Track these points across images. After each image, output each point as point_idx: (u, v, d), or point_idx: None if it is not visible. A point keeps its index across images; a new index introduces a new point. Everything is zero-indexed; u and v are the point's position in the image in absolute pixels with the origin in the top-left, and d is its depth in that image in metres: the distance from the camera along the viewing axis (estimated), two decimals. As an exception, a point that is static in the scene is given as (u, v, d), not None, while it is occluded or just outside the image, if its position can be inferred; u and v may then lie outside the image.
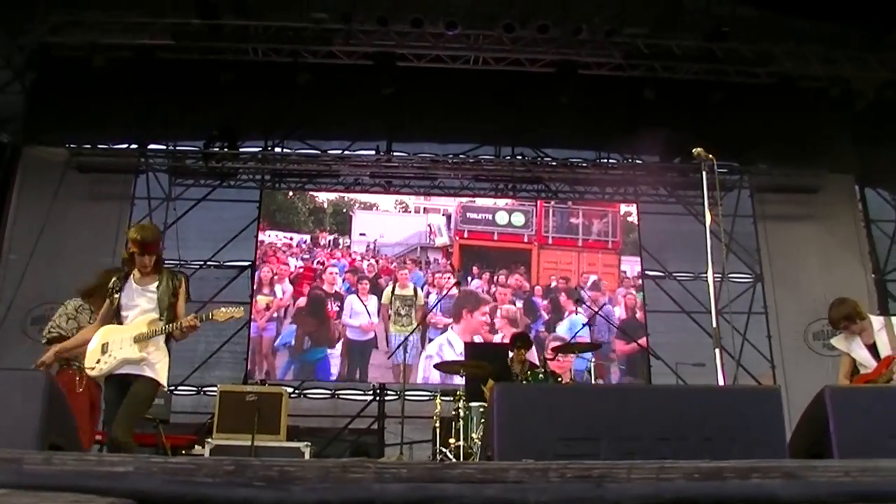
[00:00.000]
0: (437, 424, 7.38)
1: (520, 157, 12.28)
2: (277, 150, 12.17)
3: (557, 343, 9.84)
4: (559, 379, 7.78)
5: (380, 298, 11.22)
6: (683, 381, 10.61)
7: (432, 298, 11.29)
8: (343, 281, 11.31)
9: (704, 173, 5.28)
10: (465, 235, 11.77)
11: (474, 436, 6.98)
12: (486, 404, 6.88)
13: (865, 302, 10.95)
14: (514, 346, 8.00)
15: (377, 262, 11.48)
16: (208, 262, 11.05)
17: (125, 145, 11.80)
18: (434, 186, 12.19)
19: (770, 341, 11.60)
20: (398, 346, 9.19)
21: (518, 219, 11.97)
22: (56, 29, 10.18)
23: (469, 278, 11.48)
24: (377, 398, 11.13)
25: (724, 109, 10.94)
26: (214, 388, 8.73)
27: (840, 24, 10.67)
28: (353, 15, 10.20)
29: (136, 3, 10.27)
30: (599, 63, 10.76)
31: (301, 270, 11.32)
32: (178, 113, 11.21)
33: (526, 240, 11.85)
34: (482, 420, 6.84)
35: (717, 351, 4.87)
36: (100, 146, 11.58)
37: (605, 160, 12.47)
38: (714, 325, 5.00)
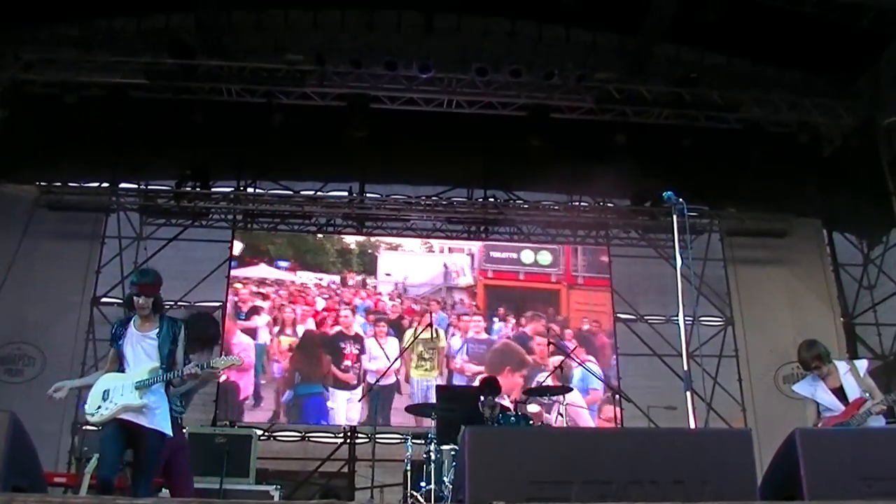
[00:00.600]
0: (409, 468, 7.34)
1: (492, 200, 12.34)
2: (250, 190, 12.16)
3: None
4: (530, 422, 7.78)
5: (401, 341, 11.23)
6: (655, 425, 10.56)
7: (455, 341, 11.25)
8: (365, 322, 11.33)
9: (675, 217, 5.28)
10: (490, 275, 11.83)
11: (445, 479, 6.90)
12: (457, 447, 6.85)
13: (834, 346, 11.10)
14: (483, 391, 7.96)
15: (402, 302, 11.52)
16: (179, 303, 10.91)
17: (96, 184, 11.69)
18: (407, 228, 12.23)
19: (741, 384, 11.63)
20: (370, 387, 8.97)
21: (544, 258, 12.03)
22: (29, 66, 10.15)
23: (495, 319, 11.48)
24: (348, 441, 11.02)
25: (694, 154, 11.08)
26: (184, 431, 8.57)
27: (807, 71, 11.01)
28: (327, 57, 10.29)
29: (109, 42, 10.29)
30: (571, 107, 10.91)
31: (325, 313, 11.38)
32: (151, 152, 11.16)
33: (554, 279, 11.89)
34: (453, 463, 6.80)
35: (688, 394, 4.85)
36: (70, 184, 11.48)
37: (577, 203, 12.54)
38: (685, 368, 4.96)
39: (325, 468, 10.91)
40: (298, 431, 11.12)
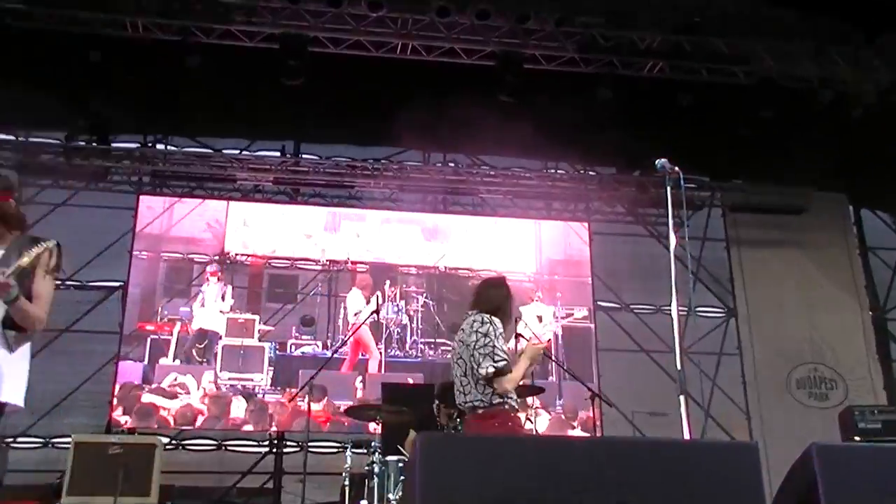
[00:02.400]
0: (347, 483, 7.36)
1: (452, 166, 12.39)
2: (159, 147, 12.01)
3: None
4: None
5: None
6: (641, 433, 10.65)
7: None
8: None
9: (669, 189, 5.26)
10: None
11: (392, 496, 6.89)
12: (406, 458, 6.91)
13: (860, 343, 11.44)
14: (441, 397, 7.79)
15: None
16: (68, 282, 10.63)
17: (-39, 133, 11.37)
18: (350, 197, 12.23)
19: (745, 388, 11.71)
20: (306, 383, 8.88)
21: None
22: None
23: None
24: (274, 450, 11.04)
25: (694, 114, 11.03)
26: (67, 439, 8.43)
27: (835, 18, 10.70)
28: (258, -13, 10.00)
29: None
30: (548, 56, 10.79)
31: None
32: (33, 97, 10.74)
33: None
34: (402, 477, 6.83)
35: (681, 398, 4.85)
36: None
37: (553, 171, 12.58)
38: (678, 367, 4.96)
39: (245, 483, 10.91)
40: (214, 439, 11.01)
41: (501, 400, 5.51)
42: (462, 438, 5.70)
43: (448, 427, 7.44)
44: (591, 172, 12.60)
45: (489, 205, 12.51)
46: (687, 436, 4.82)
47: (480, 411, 5.52)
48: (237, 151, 12.00)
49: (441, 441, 4.63)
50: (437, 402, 7.71)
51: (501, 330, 5.58)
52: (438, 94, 11.16)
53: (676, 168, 5.24)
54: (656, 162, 5.34)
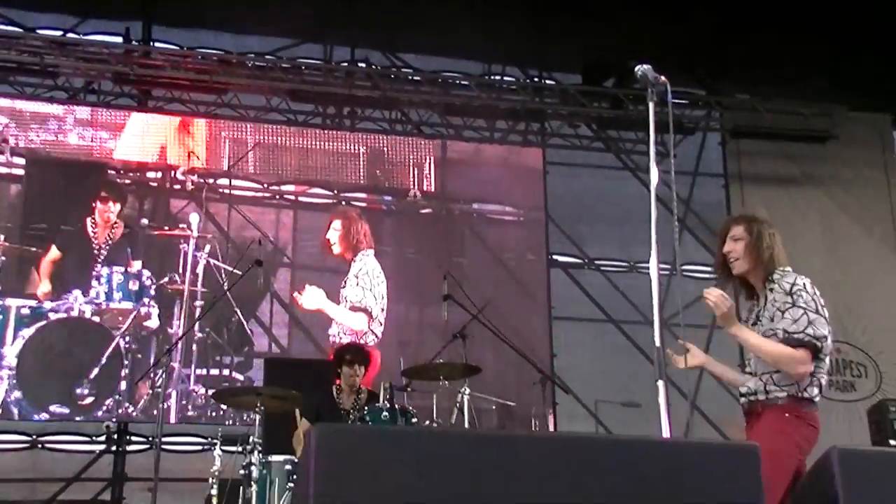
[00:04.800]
0: (214, 491, 7.32)
1: (362, 65, 12.19)
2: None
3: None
4: (413, 419, 7.72)
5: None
6: (606, 429, 10.87)
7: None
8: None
9: (651, 105, 5.04)
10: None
11: (276, 508, 7.04)
12: (296, 458, 6.98)
13: None
14: (341, 363, 8.03)
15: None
16: None
17: None
18: (224, 105, 11.85)
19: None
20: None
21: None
22: None
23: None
24: (113, 448, 10.73)
25: (686, 4, 11.08)
26: None
27: None
28: None
29: None
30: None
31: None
32: None
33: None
34: (289, 483, 6.87)
35: (660, 384, 4.70)
36: None
37: (499, 77, 12.62)
38: (657, 343, 4.76)
39: (70, 494, 10.57)
40: (27, 433, 10.62)
41: None
42: (367, 431, 5.62)
43: (352, 413, 7.83)
44: (548, 81, 12.64)
45: (412, 121, 12.35)
46: (666, 433, 4.71)
47: None
48: (60, 33, 11.57)
49: (343, 435, 4.35)
50: (339, 373, 8.02)
51: None
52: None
53: (662, 77, 5.02)
54: (636, 69, 5.12)
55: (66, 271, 11.02)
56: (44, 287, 10.81)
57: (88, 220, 11.08)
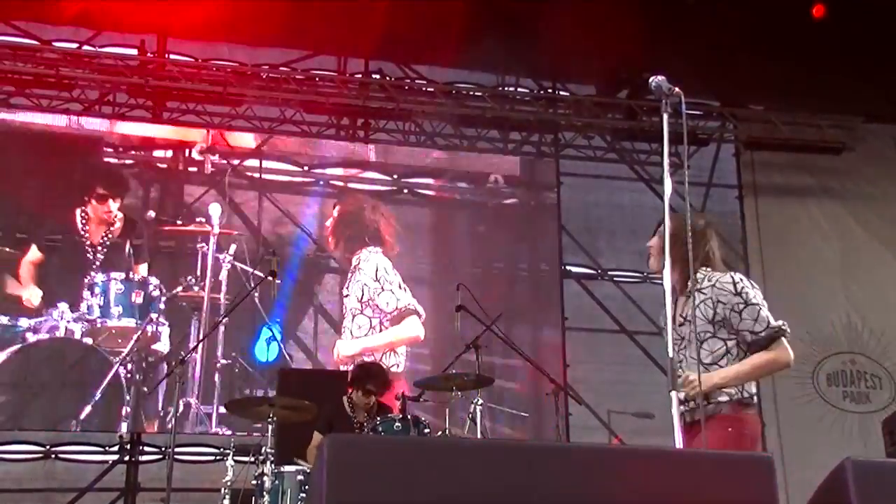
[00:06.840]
0: (227, 501, 7.39)
1: (377, 77, 12.14)
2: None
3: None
4: (425, 430, 7.72)
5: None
6: (619, 440, 10.68)
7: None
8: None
9: (665, 116, 5.04)
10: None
11: (288, 518, 7.02)
12: (308, 468, 7.06)
13: None
14: (359, 388, 8.05)
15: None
16: None
17: None
18: (238, 116, 11.82)
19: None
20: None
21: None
22: None
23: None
24: (126, 458, 10.59)
25: (703, 16, 10.94)
26: None
27: None
28: None
29: None
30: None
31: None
32: None
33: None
34: (301, 493, 6.97)
35: (673, 395, 4.76)
36: None
37: (512, 88, 12.61)
38: (671, 354, 4.85)
39: (85, 503, 10.44)
40: (40, 443, 10.52)
41: None
42: (380, 442, 5.72)
43: (364, 426, 7.77)
44: (562, 92, 12.63)
45: (425, 132, 12.31)
46: (680, 444, 4.82)
47: None
48: (76, 46, 11.50)
49: (355, 445, 4.34)
50: (350, 392, 8.09)
51: None
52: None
53: (677, 89, 5.02)
54: (651, 80, 5.14)
55: (50, 279, 9.90)
56: (32, 294, 9.71)
57: (78, 212, 10.01)
